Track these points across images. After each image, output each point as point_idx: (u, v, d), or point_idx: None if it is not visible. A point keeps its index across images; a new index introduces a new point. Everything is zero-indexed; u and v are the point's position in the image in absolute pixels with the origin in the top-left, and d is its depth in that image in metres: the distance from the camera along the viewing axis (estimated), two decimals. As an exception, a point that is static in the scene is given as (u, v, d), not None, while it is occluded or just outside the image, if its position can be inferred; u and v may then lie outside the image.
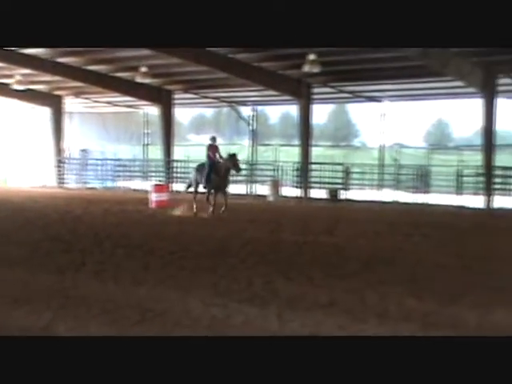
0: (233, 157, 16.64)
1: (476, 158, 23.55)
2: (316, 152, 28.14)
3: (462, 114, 26.76)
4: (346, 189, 26.15)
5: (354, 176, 27.10)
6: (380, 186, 26.49)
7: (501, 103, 22.10)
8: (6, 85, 28.85)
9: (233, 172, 16.81)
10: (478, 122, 22.46)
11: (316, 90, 26.31)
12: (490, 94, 21.27)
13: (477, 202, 22.11)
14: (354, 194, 25.69)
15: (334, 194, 25.40)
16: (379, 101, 27.73)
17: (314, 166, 27.29)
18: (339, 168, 26.77)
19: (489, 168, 22.08)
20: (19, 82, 27.91)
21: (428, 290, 7.08)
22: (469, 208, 21.40)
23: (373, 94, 27.40)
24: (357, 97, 28.00)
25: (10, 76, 27.85)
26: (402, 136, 28.64)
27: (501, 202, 21.87)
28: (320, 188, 26.62)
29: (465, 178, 23.77)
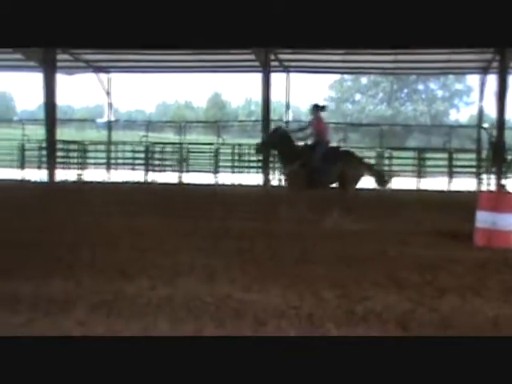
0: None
1: (39, 132, 23.72)
2: None
3: (25, 88, 26.47)
4: None
5: None
6: None
7: (61, 79, 22.64)
8: None
9: None
10: (42, 97, 22.61)
11: None
12: (50, 69, 21.53)
13: (41, 175, 22.33)
14: None
15: None
16: None
17: None
18: None
19: (51, 142, 22.44)
20: None
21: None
22: (33, 182, 21.47)
23: None
24: None
25: None
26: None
27: (62, 175, 22.42)
28: None
29: (28, 152, 23.76)
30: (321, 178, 10.93)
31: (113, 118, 26.73)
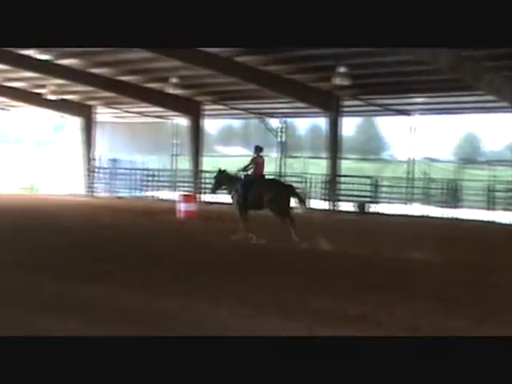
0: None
1: (508, 174, 23.26)
2: (344, 165, 28.01)
3: (492, 129, 26.40)
4: (374, 202, 25.98)
5: (383, 189, 26.92)
6: (409, 200, 26.26)
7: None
8: (39, 94, 29.27)
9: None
10: (510, 137, 22.21)
11: (345, 103, 26.24)
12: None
13: (509, 217, 21.81)
14: (382, 208, 25.50)
15: (361, 207, 25.25)
16: (409, 114, 27.58)
17: (342, 179, 27.16)
18: (367, 181, 26.61)
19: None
20: (52, 92, 28.34)
21: (456, 307, 6.97)
22: (500, 223, 21.10)
23: (402, 108, 27.27)
24: (386, 110, 27.89)
25: (43, 86, 28.26)
26: (432, 150, 28.39)
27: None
28: (348, 201, 26.47)
29: (496, 193, 23.47)
30: (245, 203, 13.59)
31: None
